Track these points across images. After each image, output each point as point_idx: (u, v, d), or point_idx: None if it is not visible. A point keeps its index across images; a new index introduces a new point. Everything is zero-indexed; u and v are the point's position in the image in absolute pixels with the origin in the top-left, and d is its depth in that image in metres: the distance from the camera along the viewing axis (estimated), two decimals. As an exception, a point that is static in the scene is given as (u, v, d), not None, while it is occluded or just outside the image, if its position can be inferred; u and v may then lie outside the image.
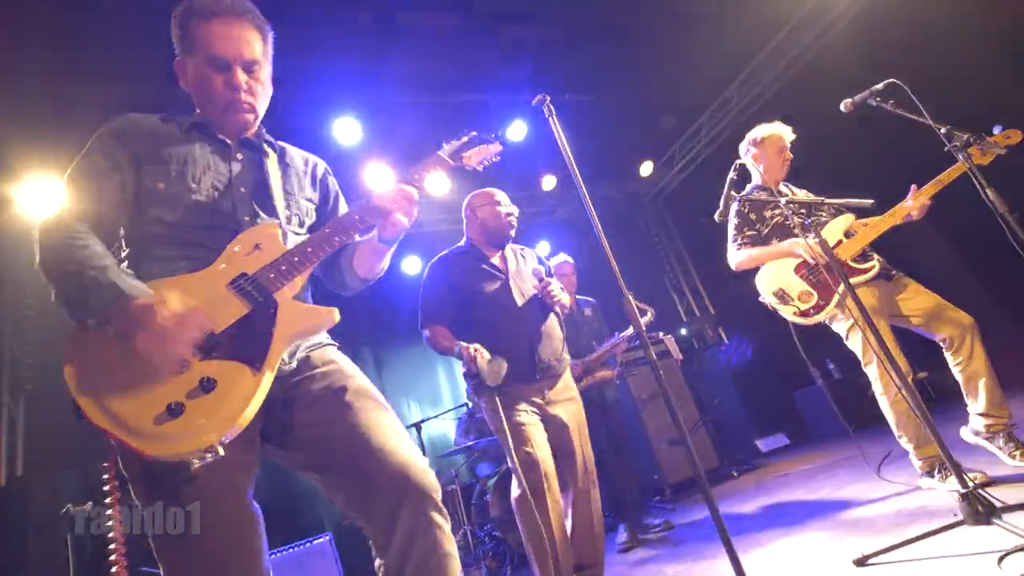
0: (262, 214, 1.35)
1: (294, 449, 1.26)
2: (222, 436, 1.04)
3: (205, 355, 1.10)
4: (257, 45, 1.37)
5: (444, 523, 1.21)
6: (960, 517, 1.73)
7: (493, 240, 2.58)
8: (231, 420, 1.06)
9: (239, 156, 1.40)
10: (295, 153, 1.57)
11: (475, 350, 2.17)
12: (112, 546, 1.08)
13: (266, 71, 1.43)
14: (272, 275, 1.24)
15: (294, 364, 1.29)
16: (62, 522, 3.17)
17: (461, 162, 1.62)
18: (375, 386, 1.37)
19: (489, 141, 1.68)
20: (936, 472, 2.31)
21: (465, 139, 1.64)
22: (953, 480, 1.85)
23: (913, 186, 2.50)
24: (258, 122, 1.47)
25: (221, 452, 1.03)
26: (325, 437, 1.24)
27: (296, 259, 1.27)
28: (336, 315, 1.27)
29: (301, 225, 1.48)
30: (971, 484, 1.73)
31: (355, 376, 1.35)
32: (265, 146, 1.46)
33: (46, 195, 4.11)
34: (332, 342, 1.44)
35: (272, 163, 1.45)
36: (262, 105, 1.44)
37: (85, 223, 1.18)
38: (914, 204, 2.47)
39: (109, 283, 1.07)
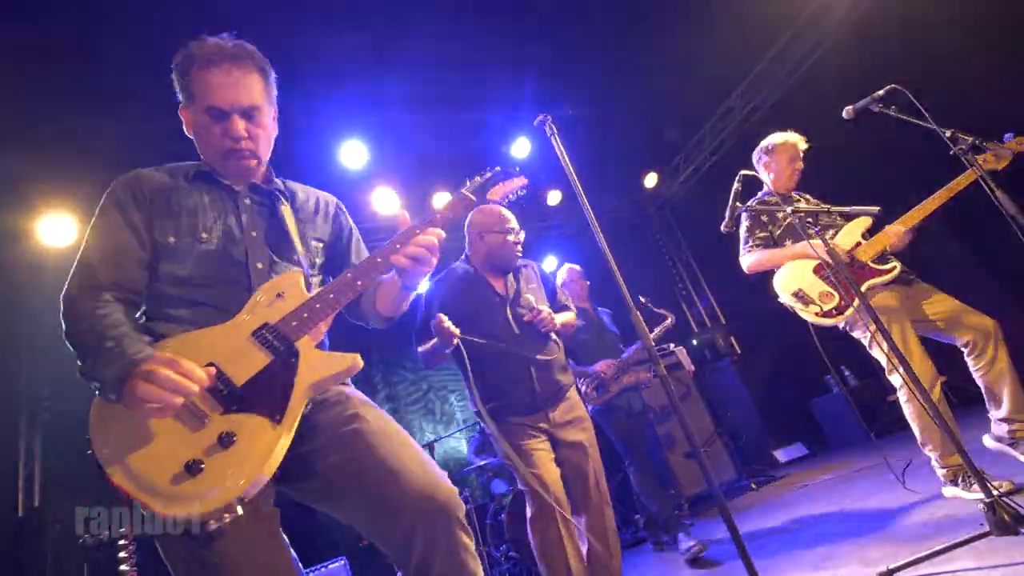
0: (278, 260, 1.35)
1: (310, 480, 1.23)
2: (240, 493, 1.01)
3: (225, 409, 1.08)
4: (257, 89, 1.35)
5: (469, 542, 1.20)
6: (986, 527, 1.69)
7: (498, 268, 2.47)
8: (250, 476, 1.03)
9: (247, 201, 1.40)
10: (306, 194, 1.56)
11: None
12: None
13: (268, 114, 1.41)
14: (294, 323, 1.21)
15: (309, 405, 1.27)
16: (79, 552, 3.17)
17: (484, 198, 1.58)
18: (386, 406, 1.36)
19: (513, 175, 1.66)
20: (960, 481, 2.25)
21: (489, 175, 1.60)
22: (977, 489, 1.80)
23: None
24: (263, 166, 1.46)
25: (239, 511, 1.01)
26: (342, 464, 1.21)
27: (318, 306, 1.24)
28: (360, 361, 1.23)
29: (314, 267, 1.47)
30: (996, 493, 1.68)
31: (367, 403, 1.34)
32: (276, 192, 1.45)
33: (62, 227, 4.20)
34: None
35: (287, 209, 1.45)
36: (265, 149, 1.42)
37: (107, 286, 1.19)
38: (893, 231, 2.49)
39: (117, 358, 1.06)
